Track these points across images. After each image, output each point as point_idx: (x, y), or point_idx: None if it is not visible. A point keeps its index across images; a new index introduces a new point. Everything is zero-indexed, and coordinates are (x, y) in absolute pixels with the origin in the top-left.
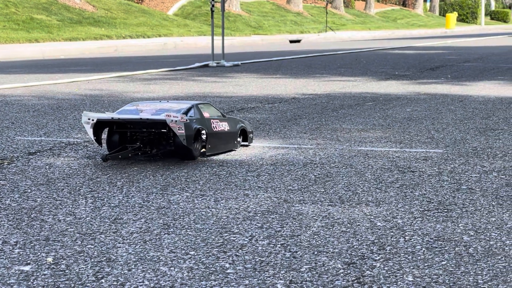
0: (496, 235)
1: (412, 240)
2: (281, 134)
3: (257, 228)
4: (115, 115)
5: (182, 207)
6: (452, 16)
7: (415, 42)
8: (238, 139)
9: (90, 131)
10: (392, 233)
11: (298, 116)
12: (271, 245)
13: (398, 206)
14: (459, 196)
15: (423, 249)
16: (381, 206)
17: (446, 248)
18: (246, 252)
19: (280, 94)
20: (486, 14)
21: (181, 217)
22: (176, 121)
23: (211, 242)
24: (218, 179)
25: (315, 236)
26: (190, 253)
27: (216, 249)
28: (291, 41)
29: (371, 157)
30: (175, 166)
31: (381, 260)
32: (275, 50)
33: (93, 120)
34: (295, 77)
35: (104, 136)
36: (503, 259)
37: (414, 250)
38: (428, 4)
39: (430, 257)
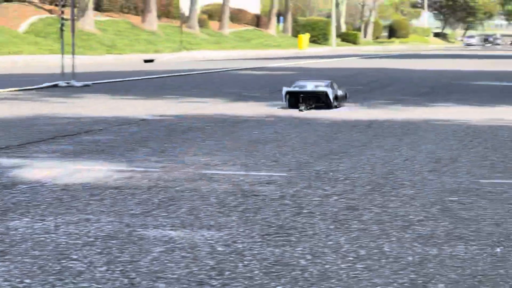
0: (332, 259)
1: (251, 265)
2: (127, 157)
3: (96, 253)
4: (296, 89)
5: (20, 233)
6: (305, 37)
7: (268, 63)
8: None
9: (285, 98)
10: (231, 258)
11: (146, 138)
12: (109, 271)
13: (239, 230)
14: (300, 220)
15: (261, 273)
16: (222, 230)
17: (282, 273)
18: (83, 279)
19: (129, 115)
20: (337, 36)
21: (19, 244)
22: (328, 91)
23: (47, 269)
24: (60, 204)
25: (155, 262)
26: (25, 281)
27: (53, 277)
28: (145, 61)
29: (216, 181)
30: (16, 190)
31: (219, 285)
32: (128, 70)
33: (286, 91)
34: (146, 98)
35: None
36: (336, 282)
37: (252, 275)
38: (281, 25)
39: (266, 282)
